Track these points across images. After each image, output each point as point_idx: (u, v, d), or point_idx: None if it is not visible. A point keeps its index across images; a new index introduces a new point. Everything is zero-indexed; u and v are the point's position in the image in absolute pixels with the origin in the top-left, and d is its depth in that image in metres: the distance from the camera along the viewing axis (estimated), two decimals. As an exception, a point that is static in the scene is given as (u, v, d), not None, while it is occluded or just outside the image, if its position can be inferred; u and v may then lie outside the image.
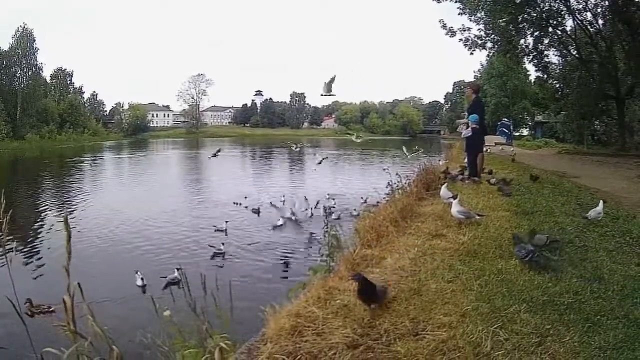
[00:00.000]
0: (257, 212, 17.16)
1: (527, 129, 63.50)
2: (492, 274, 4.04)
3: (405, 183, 8.68)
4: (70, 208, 18.99)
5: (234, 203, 18.26)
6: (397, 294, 3.68)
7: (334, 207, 16.41)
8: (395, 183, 8.60)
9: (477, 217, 6.10)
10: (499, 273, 4.08)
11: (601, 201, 6.39)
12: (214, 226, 14.80)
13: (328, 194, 18.95)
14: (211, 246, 12.35)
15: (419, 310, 3.34)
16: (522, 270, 4.16)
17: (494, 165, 13.79)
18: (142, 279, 9.89)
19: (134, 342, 3.41)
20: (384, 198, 10.42)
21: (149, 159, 48.55)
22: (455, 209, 5.96)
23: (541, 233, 5.01)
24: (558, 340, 2.88)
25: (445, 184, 7.91)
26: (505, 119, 37.83)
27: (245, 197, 18.69)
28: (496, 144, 27.41)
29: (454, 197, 6.33)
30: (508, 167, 14.57)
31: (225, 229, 14.48)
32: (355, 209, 15.35)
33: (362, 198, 16.69)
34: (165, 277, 9.85)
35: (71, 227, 2.48)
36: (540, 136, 51.37)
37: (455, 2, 26.19)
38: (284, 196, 18.74)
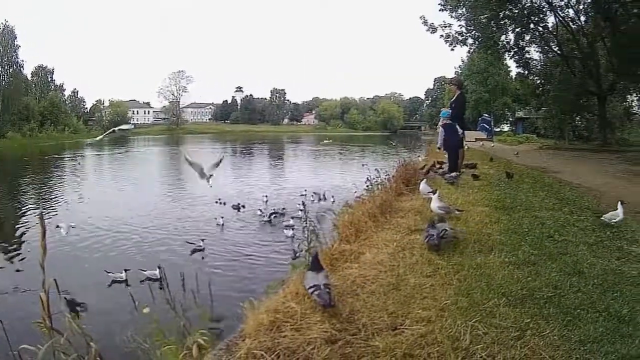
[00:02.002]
0: (237, 208, 16.96)
1: (508, 125, 64.29)
2: (471, 269, 4.02)
3: (385, 178, 8.60)
4: (47, 205, 18.58)
5: (216, 202, 17.91)
6: (375, 288, 3.63)
7: (314, 202, 16.31)
8: (374, 178, 8.54)
9: (457, 213, 6.09)
10: (478, 267, 4.06)
11: (619, 202, 5.87)
12: (215, 219, 14.75)
13: (305, 190, 18.83)
14: (190, 242, 12.18)
15: (397, 304, 3.30)
16: (502, 265, 4.14)
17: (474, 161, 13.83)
18: (125, 270, 9.72)
19: (113, 339, 3.34)
20: (354, 194, 10.43)
21: (128, 155, 47.90)
22: (435, 204, 5.93)
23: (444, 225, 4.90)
24: (538, 334, 2.86)
25: (425, 179, 7.91)
26: (486, 115, 38.16)
27: (220, 199, 18.14)
28: (477, 139, 27.58)
29: (434, 192, 6.31)
30: (487, 163, 14.63)
31: (223, 224, 14.44)
32: (327, 206, 15.38)
33: (332, 197, 16.51)
34: (145, 271, 9.69)
35: (47, 223, 2.42)
36: (522, 132, 52.00)
37: (437, -3, 26.53)
38: (266, 195, 18.57)
